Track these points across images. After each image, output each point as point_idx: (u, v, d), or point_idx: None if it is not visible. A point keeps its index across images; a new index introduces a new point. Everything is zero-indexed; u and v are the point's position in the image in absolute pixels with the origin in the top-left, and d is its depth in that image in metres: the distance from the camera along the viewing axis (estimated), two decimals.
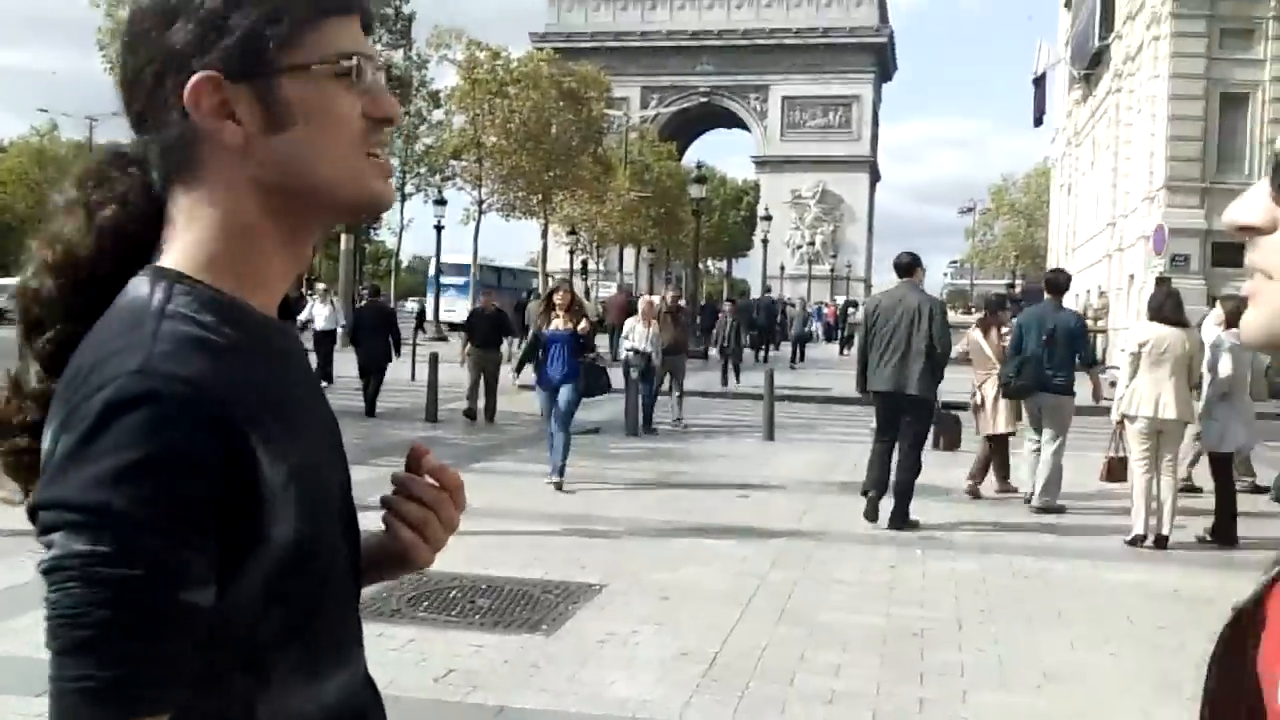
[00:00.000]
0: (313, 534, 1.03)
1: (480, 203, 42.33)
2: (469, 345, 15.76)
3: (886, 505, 9.01)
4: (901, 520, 8.95)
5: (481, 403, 15.40)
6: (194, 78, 1.03)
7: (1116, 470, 9.18)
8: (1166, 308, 8.78)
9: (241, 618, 0.98)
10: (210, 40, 1.04)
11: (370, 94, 1.09)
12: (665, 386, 15.99)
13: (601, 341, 15.64)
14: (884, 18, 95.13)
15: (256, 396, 1.00)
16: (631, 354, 14.95)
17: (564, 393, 10.29)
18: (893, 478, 9.07)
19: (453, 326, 34.34)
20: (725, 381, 22.02)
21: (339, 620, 1.13)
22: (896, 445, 9.11)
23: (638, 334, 15.03)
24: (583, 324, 10.50)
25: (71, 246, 1.08)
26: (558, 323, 10.48)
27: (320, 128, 1.06)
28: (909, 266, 9.45)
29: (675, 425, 15.74)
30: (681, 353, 16.56)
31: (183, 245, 1.07)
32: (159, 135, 1.07)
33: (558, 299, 10.67)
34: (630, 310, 18.48)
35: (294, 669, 1.05)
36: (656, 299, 16.93)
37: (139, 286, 1.04)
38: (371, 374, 15.79)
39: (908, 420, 9.10)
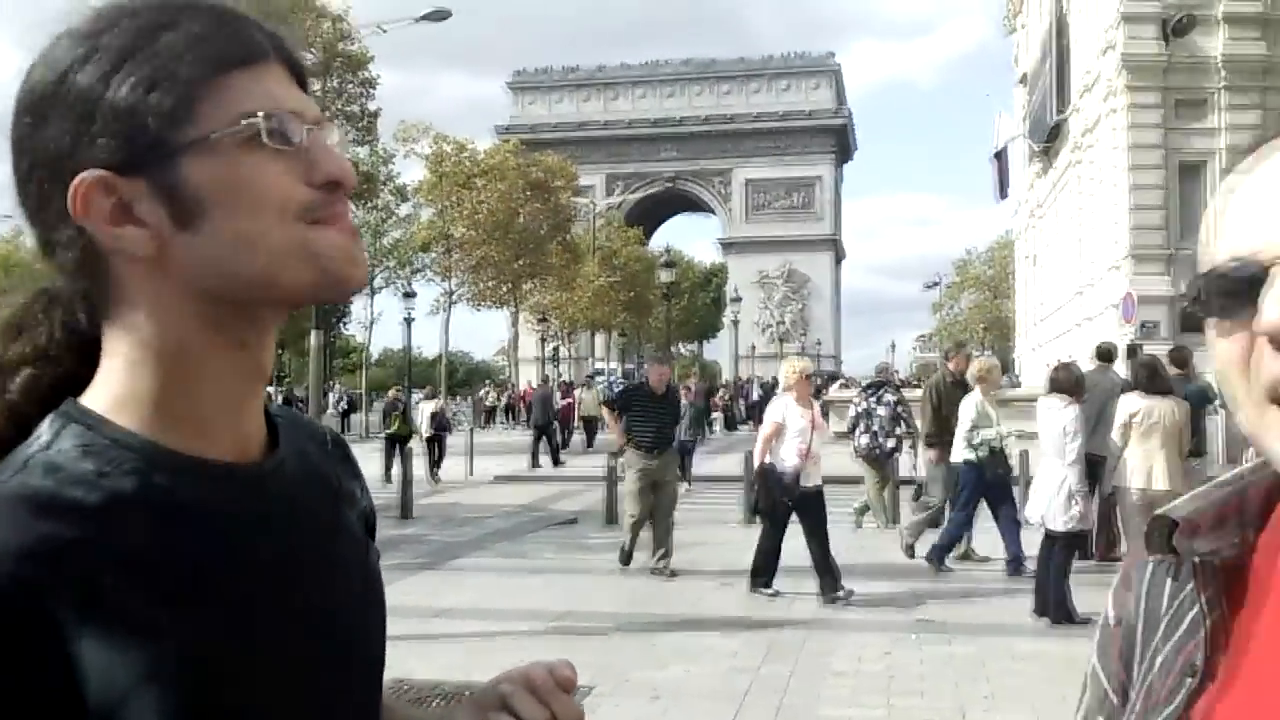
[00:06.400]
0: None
1: (450, 294, 42.39)
2: (628, 448, 10.53)
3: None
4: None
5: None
6: (75, 181, 0.82)
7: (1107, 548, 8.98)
8: (1152, 379, 8.63)
9: None
10: (87, 131, 0.82)
11: (307, 155, 0.86)
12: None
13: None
14: (841, 99, 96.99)
15: (111, 565, 0.78)
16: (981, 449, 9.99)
17: None
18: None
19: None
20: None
21: None
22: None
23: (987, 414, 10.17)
24: None
25: None
26: None
27: (240, 209, 0.84)
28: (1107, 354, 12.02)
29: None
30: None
31: (104, 380, 0.87)
32: (60, 259, 0.86)
33: None
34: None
35: None
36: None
37: (38, 430, 0.84)
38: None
39: None
